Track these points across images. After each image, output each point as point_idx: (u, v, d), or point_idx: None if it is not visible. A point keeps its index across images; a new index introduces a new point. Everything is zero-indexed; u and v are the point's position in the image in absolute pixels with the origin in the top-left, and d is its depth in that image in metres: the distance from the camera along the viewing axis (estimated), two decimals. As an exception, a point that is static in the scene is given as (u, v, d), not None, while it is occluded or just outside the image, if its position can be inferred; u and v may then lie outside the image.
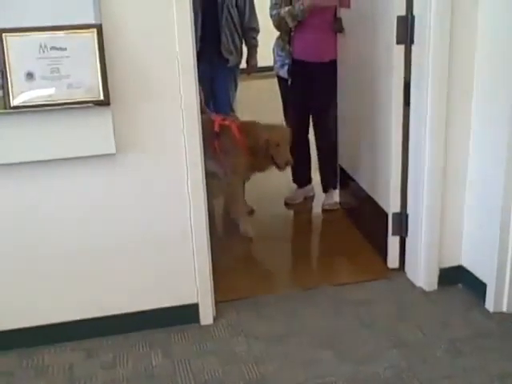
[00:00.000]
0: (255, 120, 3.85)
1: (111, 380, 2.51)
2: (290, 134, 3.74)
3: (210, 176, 3.38)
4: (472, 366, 2.50)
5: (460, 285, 3.10)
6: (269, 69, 6.38)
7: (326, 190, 4.28)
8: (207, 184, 2.82)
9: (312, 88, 4.00)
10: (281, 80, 4.36)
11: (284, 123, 4.11)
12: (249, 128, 3.75)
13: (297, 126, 4.09)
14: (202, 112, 3.70)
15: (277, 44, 4.29)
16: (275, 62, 4.37)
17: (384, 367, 2.51)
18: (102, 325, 2.76)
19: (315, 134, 4.27)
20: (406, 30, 2.93)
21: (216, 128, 3.69)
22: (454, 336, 2.71)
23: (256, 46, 4.72)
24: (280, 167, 3.73)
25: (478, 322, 2.82)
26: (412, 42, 2.92)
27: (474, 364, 2.51)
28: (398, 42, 2.97)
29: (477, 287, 2.96)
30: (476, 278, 2.98)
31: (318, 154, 4.30)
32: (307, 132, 4.25)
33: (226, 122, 3.75)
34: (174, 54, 2.51)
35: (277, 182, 4.54)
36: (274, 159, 3.69)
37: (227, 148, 3.69)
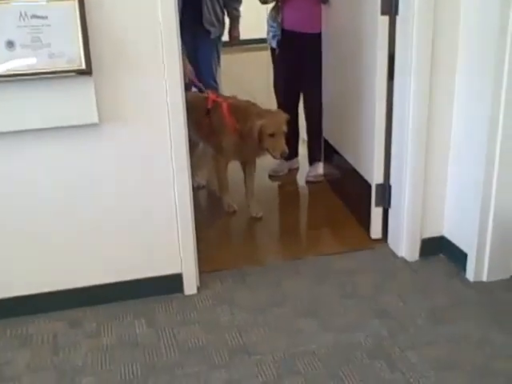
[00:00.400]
0: (250, 101, 3.70)
1: (95, 348, 2.53)
2: (286, 122, 3.48)
3: (194, 146, 3.37)
4: (452, 334, 2.55)
5: (441, 255, 3.14)
6: (254, 41, 6.32)
7: (312, 162, 4.28)
8: (191, 155, 2.82)
9: (302, 60, 3.97)
10: (274, 52, 4.31)
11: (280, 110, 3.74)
12: (241, 110, 3.55)
13: (286, 99, 4.07)
14: (197, 88, 3.65)
15: (270, 15, 4.23)
16: (268, 33, 4.31)
17: (365, 335, 2.55)
18: (85, 295, 2.77)
19: (305, 108, 4.25)
20: (390, 1, 2.91)
21: (209, 105, 3.63)
22: (435, 305, 2.75)
23: (238, 16, 4.70)
24: (274, 157, 3.57)
25: (458, 290, 2.86)
26: (397, 12, 2.91)
27: (454, 331, 2.56)
28: (383, 13, 2.96)
29: (458, 257, 3.00)
30: (457, 248, 3.02)
31: (307, 127, 4.28)
32: (297, 106, 4.23)
33: (219, 100, 3.65)
34: (156, 23, 2.49)
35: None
36: (268, 150, 3.48)
37: (215, 126, 3.61)
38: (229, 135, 3.57)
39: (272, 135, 3.41)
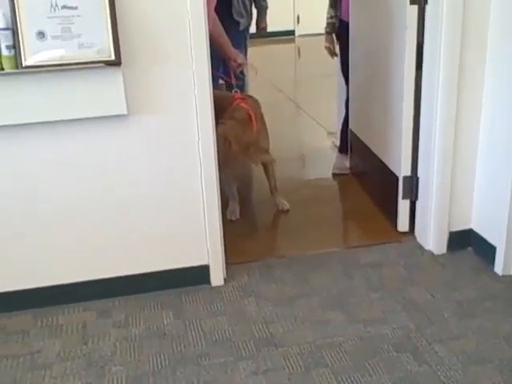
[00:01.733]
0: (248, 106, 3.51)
1: (123, 338, 2.55)
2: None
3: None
4: (479, 328, 2.52)
5: (470, 248, 3.11)
6: (280, 33, 6.30)
7: (345, 151, 4.26)
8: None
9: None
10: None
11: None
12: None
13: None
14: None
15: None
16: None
17: (392, 328, 2.54)
18: (114, 285, 2.80)
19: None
20: (419, -10, 2.89)
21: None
22: (463, 298, 2.72)
23: (266, 7, 4.70)
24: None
25: (486, 284, 2.83)
26: (426, 2, 2.88)
27: (481, 325, 2.54)
28: (412, 3, 2.93)
29: (486, 251, 2.97)
30: (486, 242, 2.99)
31: (345, 117, 4.24)
32: None
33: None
34: (185, 15, 2.49)
35: (287, 145, 4.55)
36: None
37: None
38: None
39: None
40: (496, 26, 2.76)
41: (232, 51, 3.46)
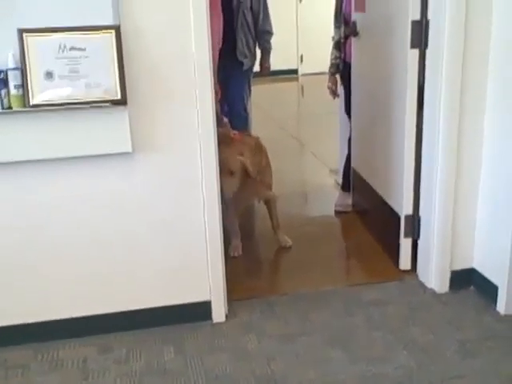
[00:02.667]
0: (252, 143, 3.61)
1: (124, 374, 2.55)
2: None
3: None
4: (482, 367, 2.51)
5: (472, 287, 3.12)
6: (283, 72, 6.39)
7: (347, 188, 4.30)
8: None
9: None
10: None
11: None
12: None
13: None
14: (220, 124, 3.60)
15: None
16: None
17: (394, 367, 2.53)
18: (115, 321, 2.80)
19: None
20: (420, 35, 2.95)
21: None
22: (465, 337, 2.72)
23: (270, 48, 4.78)
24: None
25: (488, 324, 2.83)
26: (426, 46, 2.94)
27: (483, 365, 2.53)
28: (413, 47, 2.99)
29: (488, 290, 2.97)
30: (488, 281, 2.99)
31: (347, 155, 4.28)
32: None
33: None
34: (190, 55, 2.55)
35: (289, 182, 4.58)
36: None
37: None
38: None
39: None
40: (495, 69, 2.81)
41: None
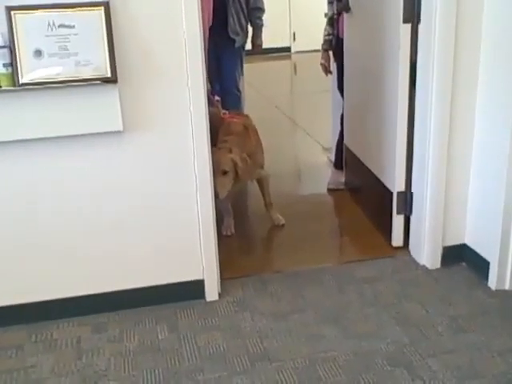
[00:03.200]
0: (244, 123, 3.62)
1: (118, 353, 2.56)
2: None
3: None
4: (473, 342, 2.53)
5: (463, 263, 3.13)
6: (276, 50, 6.35)
7: (340, 166, 4.29)
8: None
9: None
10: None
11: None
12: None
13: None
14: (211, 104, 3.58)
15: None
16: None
17: (386, 342, 2.55)
18: (108, 300, 2.80)
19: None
20: (412, 9, 2.93)
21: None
22: (456, 313, 2.74)
23: (262, 25, 4.75)
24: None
25: (480, 299, 2.85)
26: (419, 21, 2.92)
27: (475, 340, 2.55)
28: (405, 21, 2.97)
29: (480, 265, 2.99)
30: (479, 257, 3.01)
31: (340, 132, 4.27)
32: None
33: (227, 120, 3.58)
34: (180, 32, 2.52)
35: (282, 161, 4.58)
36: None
37: None
38: None
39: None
40: (488, 44, 2.80)
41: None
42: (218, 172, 3.15)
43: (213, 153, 2.85)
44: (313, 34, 5.90)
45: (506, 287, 2.89)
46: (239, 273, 3.13)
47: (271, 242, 3.74)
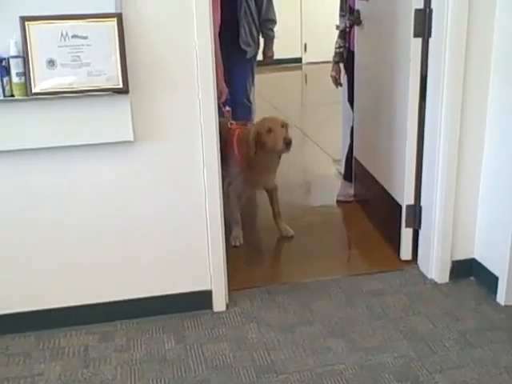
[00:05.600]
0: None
1: (124, 362, 2.57)
2: (282, 121, 3.46)
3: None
4: (481, 358, 2.52)
5: (472, 277, 3.12)
6: (287, 61, 6.36)
7: (349, 178, 4.29)
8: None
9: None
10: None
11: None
12: (242, 135, 3.56)
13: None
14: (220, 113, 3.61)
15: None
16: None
17: (393, 357, 2.54)
18: (116, 309, 2.81)
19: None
20: (423, 24, 2.93)
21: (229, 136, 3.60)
22: (464, 328, 2.73)
23: (273, 37, 4.76)
24: (281, 150, 3.39)
25: (488, 314, 2.83)
26: (429, 35, 2.93)
27: (482, 356, 2.54)
28: (416, 36, 2.98)
29: (489, 280, 2.98)
30: (488, 271, 2.99)
31: (350, 145, 4.26)
32: None
33: (236, 129, 3.62)
34: (192, 44, 2.54)
35: (292, 172, 4.60)
36: (271, 144, 3.38)
37: (229, 156, 3.53)
38: (235, 164, 3.56)
39: (269, 131, 3.38)
40: (499, 58, 2.80)
41: (221, 84, 3.41)
42: (276, 125, 3.38)
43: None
44: (324, 45, 5.92)
45: (515, 303, 2.88)
46: (247, 284, 3.13)
47: (279, 253, 3.74)
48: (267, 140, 3.40)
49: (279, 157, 3.57)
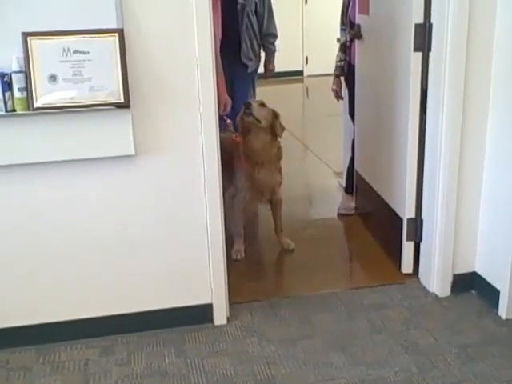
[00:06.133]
0: None
1: (125, 376, 2.56)
2: (263, 102, 3.61)
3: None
4: (482, 372, 2.51)
5: (473, 291, 3.12)
6: (288, 73, 6.38)
7: (351, 191, 4.30)
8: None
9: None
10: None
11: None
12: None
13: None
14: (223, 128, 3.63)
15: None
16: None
17: (395, 371, 2.54)
18: (117, 323, 2.81)
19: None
20: (423, 38, 2.95)
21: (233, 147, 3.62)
22: (466, 342, 2.72)
23: (274, 51, 4.78)
24: (242, 115, 3.52)
25: (490, 328, 2.83)
26: (429, 49, 2.95)
27: (484, 370, 2.53)
28: (416, 50, 3.00)
29: (490, 294, 2.97)
30: (489, 285, 2.99)
31: (351, 158, 4.27)
32: None
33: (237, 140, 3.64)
34: (193, 58, 2.56)
35: (293, 185, 4.61)
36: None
37: (234, 166, 3.60)
38: (242, 174, 3.59)
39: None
40: (499, 72, 2.81)
41: (224, 96, 3.46)
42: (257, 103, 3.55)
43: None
44: (325, 58, 5.93)
45: (517, 316, 2.88)
46: (248, 297, 3.13)
47: (281, 266, 3.74)
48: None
49: (278, 157, 3.63)
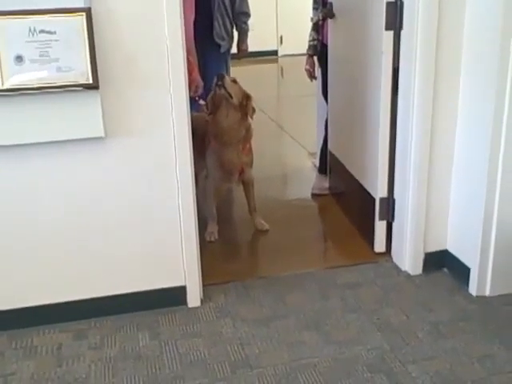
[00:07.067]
0: None
1: (98, 359, 2.55)
2: (235, 80, 3.63)
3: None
4: (453, 348, 2.55)
5: (445, 269, 3.15)
6: (262, 53, 6.34)
7: (324, 171, 4.30)
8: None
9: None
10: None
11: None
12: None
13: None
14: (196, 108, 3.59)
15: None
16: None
17: (367, 349, 2.56)
18: (90, 307, 2.79)
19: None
20: (395, 16, 2.94)
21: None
22: (437, 319, 2.75)
23: (247, 30, 4.74)
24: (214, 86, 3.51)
25: (460, 305, 2.87)
26: (401, 27, 2.94)
27: (455, 346, 2.56)
28: (387, 28, 2.98)
29: (461, 271, 3.01)
30: (460, 263, 3.02)
31: (324, 137, 4.28)
32: None
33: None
34: (162, 38, 2.52)
35: (267, 165, 4.60)
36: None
37: (206, 146, 3.59)
38: (212, 152, 3.57)
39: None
40: (470, 50, 2.82)
41: (197, 78, 3.44)
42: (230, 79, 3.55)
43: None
44: (300, 37, 5.89)
45: (487, 293, 2.91)
46: (222, 279, 3.13)
47: (254, 247, 3.75)
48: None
49: (247, 138, 3.60)
